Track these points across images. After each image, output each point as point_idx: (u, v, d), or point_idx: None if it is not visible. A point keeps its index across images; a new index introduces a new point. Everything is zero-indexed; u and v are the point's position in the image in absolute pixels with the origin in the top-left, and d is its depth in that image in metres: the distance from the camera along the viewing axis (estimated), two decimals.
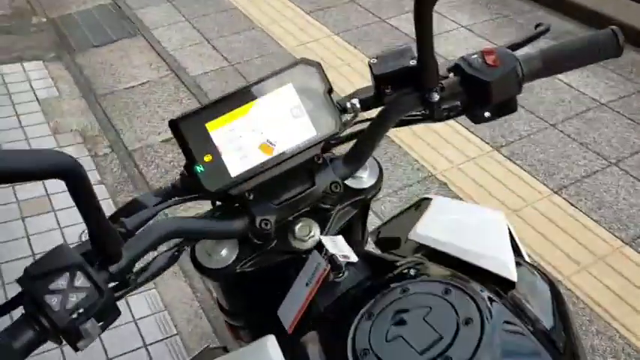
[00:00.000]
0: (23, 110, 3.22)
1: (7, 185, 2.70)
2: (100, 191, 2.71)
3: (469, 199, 2.57)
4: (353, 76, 3.38)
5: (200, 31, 3.91)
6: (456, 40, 3.65)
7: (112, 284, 0.71)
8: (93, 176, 2.79)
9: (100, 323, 0.68)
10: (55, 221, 2.54)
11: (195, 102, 3.25)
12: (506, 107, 0.84)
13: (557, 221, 2.47)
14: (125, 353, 2.06)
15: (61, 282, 0.65)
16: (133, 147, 2.99)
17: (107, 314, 0.68)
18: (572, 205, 2.53)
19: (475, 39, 3.67)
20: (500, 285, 0.76)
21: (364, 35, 3.79)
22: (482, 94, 0.82)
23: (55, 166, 0.59)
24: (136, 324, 2.15)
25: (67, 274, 0.66)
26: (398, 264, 0.82)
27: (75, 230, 2.48)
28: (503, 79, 0.81)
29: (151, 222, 0.80)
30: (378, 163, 0.96)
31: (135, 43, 3.84)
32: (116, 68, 3.60)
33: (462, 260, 0.80)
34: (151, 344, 2.11)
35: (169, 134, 3.16)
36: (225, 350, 1.19)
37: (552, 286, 0.81)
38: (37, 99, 3.32)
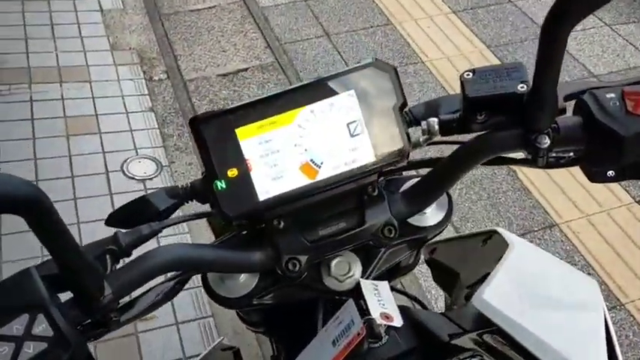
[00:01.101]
0: (85, 19, 3.09)
1: (57, 97, 2.62)
2: (149, 119, 2.60)
3: (537, 194, 2.32)
4: (432, 31, 3.08)
5: None
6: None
7: (86, 322, 0.57)
8: (145, 101, 2.68)
9: None
10: (100, 144, 2.46)
11: (260, 36, 3.04)
12: (639, 170, 0.62)
13: (632, 235, 2.20)
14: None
15: (17, 325, 0.51)
16: (190, 77, 2.84)
17: None
18: None
19: None
20: None
21: None
22: (611, 150, 0.59)
23: (6, 198, 0.43)
24: None
25: (26, 315, 0.51)
26: (451, 346, 0.64)
27: (117, 158, 2.39)
28: None
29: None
30: (449, 197, 0.75)
31: None
32: None
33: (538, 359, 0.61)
34: None
35: (228, 69, 3.01)
36: (237, 353, 1.06)
37: None
38: (100, 9, 3.19)
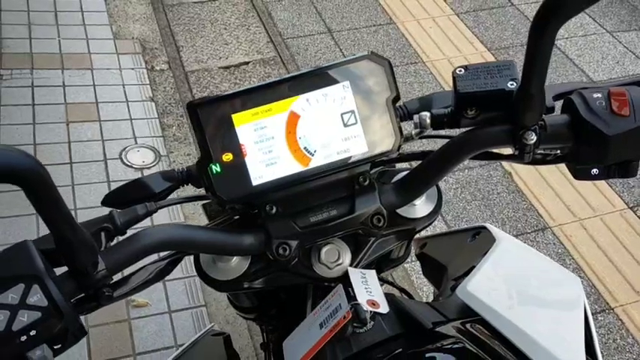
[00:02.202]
0: (88, 7, 3.10)
1: (58, 84, 2.63)
2: (150, 109, 2.61)
3: (532, 196, 2.34)
4: (433, 32, 3.09)
5: None
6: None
7: (79, 295, 0.58)
8: (145, 91, 2.69)
9: (58, 346, 0.56)
10: (99, 132, 2.47)
11: (263, 30, 3.05)
12: (623, 169, 0.63)
13: (624, 240, 2.22)
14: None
15: (12, 294, 0.53)
16: (191, 68, 2.85)
17: (67, 337, 0.56)
18: None
19: None
20: None
21: None
22: (595, 149, 0.61)
23: (6, 169, 0.44)
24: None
25: (22, 285, 0.53)
26: (434, 333, 0.66)
27: (116, 146, 2.40)
28: (631, 135, 0.60)
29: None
30: (438, 189, 0.77)
31: None
32: None
33: (518, 349, 0.63)
34: (170, 281, 2.05)
35: (230, 61, 3.02)
36: (228, 339, 1.08)
37: None
38: None
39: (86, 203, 2.14)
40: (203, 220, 2.21)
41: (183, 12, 3.18)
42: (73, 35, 2.92)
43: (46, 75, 2.66)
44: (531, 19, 0.57)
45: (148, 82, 2.75)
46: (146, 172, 2.31)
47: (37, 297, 0.53)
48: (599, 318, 2.01)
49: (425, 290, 2.00)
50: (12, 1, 3.03)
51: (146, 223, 0.69)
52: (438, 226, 2.20)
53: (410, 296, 0.97)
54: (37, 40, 2.83)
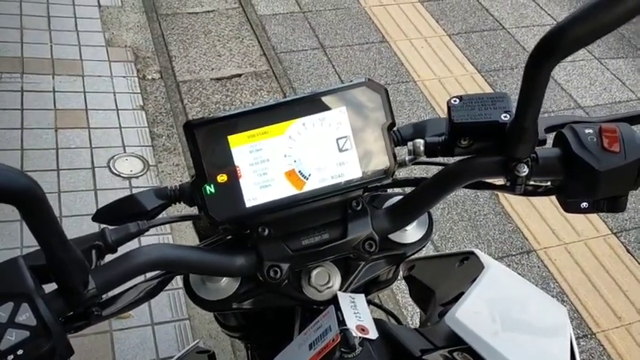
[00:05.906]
0: (82, 14, 3.10)
1: (49, 89, 2.61)
2: (140, 118, 2.60)
3: (518, 219, 2.36)
4: (425, 52, 3.12)
5: None
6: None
7: (68, 314, 0.58)
8: (136, 100, 2.68)
9: None
10: (88, 139, 2.45)
11: (256, 44, 3.06)
12: (612, 204, 0.64)
13: (607, 266, 2.25)
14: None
15: (1, 312, 0.52)
16: (183, 78, 2.85)
17: (53, 357, 0.55)
18: (629, 252, 2.29)
19: None
20: None
21: (450, 10, 3.49)
22: (586, 183, 0.62)
23: (4, 190, 0.44)
24: None
25: (11, 303, 0.52)
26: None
27: (104, 154, 2.39)
28: (620, 171, 0.61)
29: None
30: (430, 215, 0.78)
31: None
32: None
33: None
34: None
35: (222, 73, 3.01)
36: (213, 357, 1.07)
37: None
38: (98, 4, 3.20)
39: (72, 211, 2.12)
40: (188, 228, 2.18)
41: (177, 22, 3.18)
42: (65, 41, 2.91)
43: (36, 80, 2.64)
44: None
45: (139, 90, 2.74)
46: (134, 182, 2.30)
47: (25, 316, 0.52)
48: (582, 343, 2.02)
49: (410, 310, 2.00)
50: (4, 4, 3.02)
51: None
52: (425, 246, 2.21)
53: (397, 320, 0.97)
54: (29, 44, 2.82)
